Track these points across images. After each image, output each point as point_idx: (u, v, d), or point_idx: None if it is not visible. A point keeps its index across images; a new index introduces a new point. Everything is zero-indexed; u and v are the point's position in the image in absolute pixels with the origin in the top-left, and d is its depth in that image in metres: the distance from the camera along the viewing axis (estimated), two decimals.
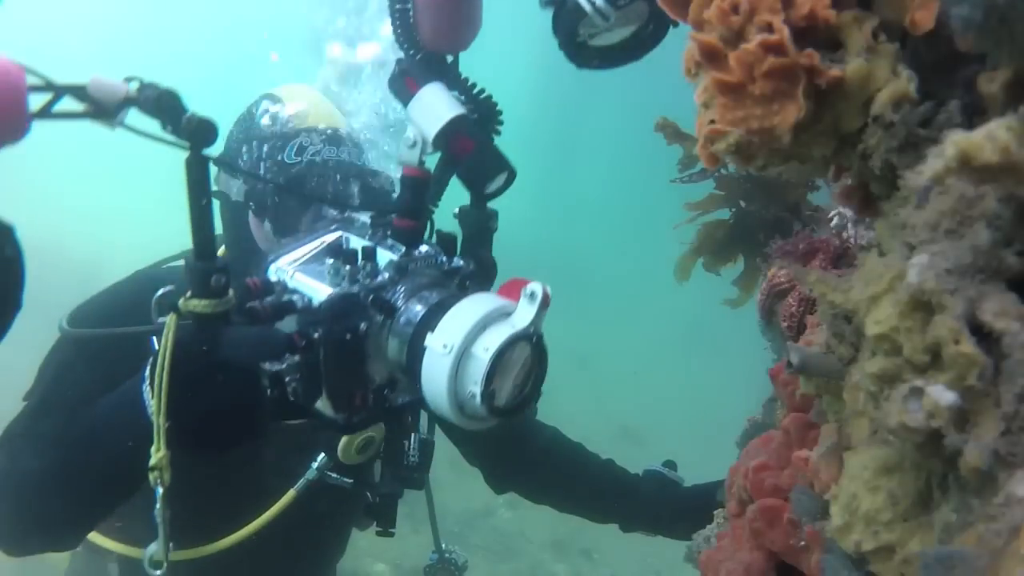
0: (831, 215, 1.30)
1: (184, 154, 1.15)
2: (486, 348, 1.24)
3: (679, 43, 0.71)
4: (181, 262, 1.83)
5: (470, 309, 1.29)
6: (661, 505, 1.90)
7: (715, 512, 1.29)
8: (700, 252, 1.84)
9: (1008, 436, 0.54)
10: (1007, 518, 0.53)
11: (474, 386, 1.23)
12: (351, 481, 1.80)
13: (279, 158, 1.70)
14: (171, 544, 1.27)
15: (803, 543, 0.83)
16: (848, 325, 0.73)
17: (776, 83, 0.64)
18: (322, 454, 1.76)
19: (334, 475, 1.78)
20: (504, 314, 1.30)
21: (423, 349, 1.27)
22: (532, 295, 1.26)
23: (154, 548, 1.27)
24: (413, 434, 1.87)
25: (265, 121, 1.76)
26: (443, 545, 2.32)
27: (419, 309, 1.34)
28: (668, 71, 0.84)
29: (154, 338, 1.32)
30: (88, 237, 11.72)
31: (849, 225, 1.25)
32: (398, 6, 1.42)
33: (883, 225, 0.73)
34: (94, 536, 1.82)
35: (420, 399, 1.39)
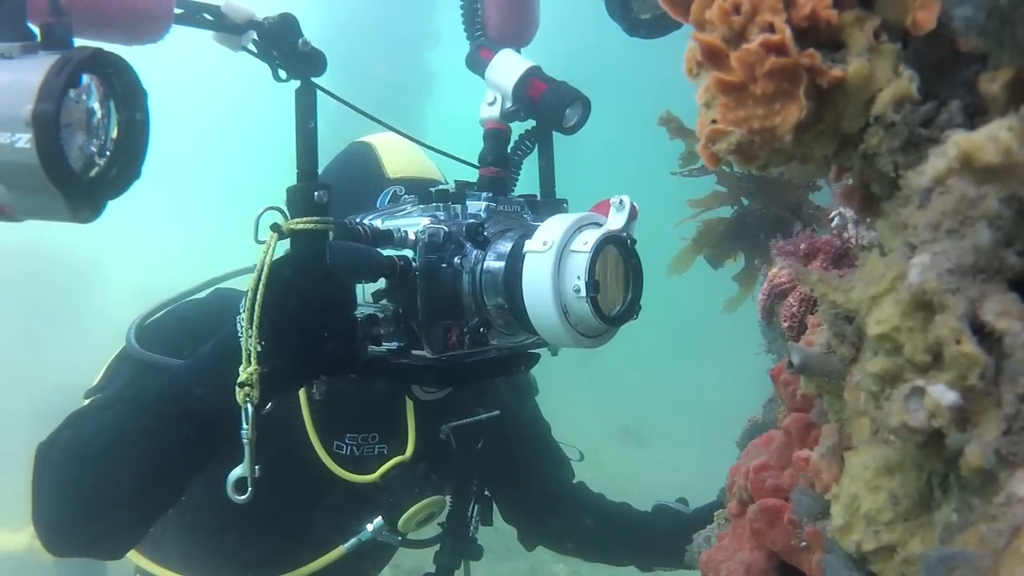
0: (832, 215, 1.30)
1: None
2: (585, 242, 1.29)
3: (681, 42, 0.71)
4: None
5: (564, 217, 1.35)
6: (673, 538, 1.83)
7: (715, 512, 1.29)
8: (700, 246, 1.84)
9: (1009, 436, 0.54)
10: (1008, 517, 0.53)
11: (577, 280, 1.26)
12: (399, 539, 1.73)
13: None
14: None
15: (804, 543, 0.83)
16: (849, 325, 0.73)
17: (777, 83, 0.64)
18: (379, 517, 1.65)
19: (385, 532, 1.68)
20: (595, 222, 1.36)
21: (523, 257, 1.30)
22: (620, 203, 1.34)
23: (238, 472, 1.25)
24: (475, 504, 1.89)
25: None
26: None
27: (510, 243, 1.37)
28: (669, 70, 0.84)
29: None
30: (88, 237, 11.71)
31: (850, 225, 1.25)
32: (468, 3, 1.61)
33: (884, 225, 0.73)
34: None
35: (515, 350, 1.46)
